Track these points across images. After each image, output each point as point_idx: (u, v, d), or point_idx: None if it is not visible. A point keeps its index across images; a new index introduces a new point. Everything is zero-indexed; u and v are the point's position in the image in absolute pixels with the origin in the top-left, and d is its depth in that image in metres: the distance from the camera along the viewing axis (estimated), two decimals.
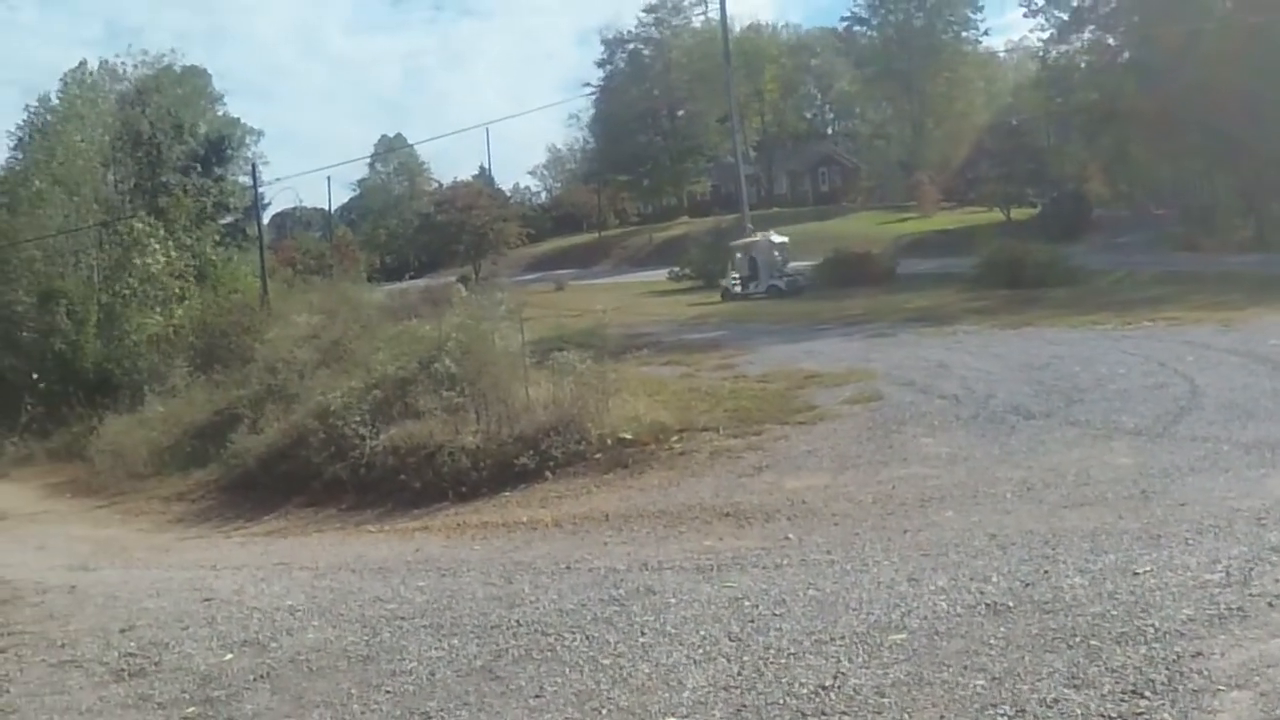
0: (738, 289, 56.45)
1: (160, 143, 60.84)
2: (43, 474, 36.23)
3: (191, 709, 9.05)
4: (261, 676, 9.66)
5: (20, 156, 67.92)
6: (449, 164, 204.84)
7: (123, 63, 71.24)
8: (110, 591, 14.51)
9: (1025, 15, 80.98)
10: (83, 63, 68.11)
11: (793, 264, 57.63)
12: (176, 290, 47.27)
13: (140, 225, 48.32)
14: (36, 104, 74.94)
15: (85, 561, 18.78)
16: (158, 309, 45.93)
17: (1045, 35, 71.06)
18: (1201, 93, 52.65)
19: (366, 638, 10.48)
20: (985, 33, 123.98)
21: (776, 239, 59.43)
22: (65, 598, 14.30)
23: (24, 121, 75.89)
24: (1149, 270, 43.96)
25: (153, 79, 71.83)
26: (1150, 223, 63.41)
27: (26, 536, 24.32)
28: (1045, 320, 30.58)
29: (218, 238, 56.99)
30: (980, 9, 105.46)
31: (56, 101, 67.99)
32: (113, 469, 31.16)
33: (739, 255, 59.27)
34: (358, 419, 23.21)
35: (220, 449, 27.65)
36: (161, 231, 48.35)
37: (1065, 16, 67.70)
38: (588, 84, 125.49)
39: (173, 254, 48.12)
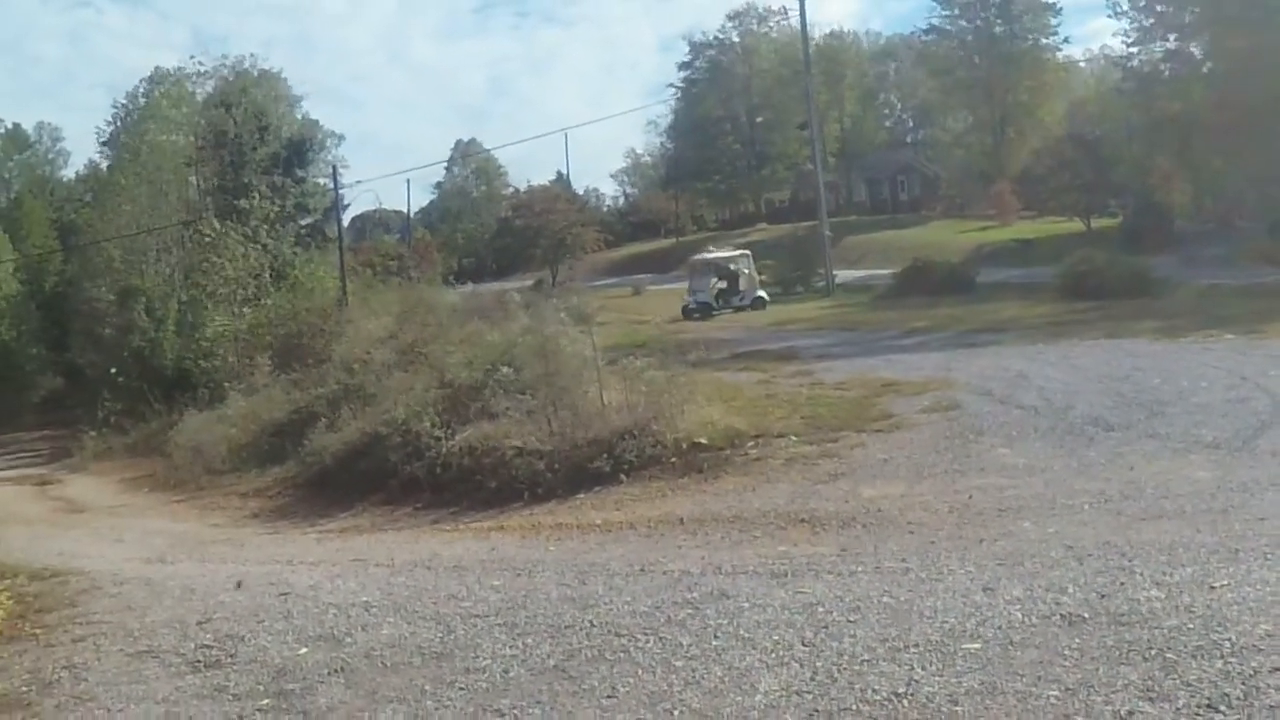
0: (699, 303, 55.07)
1: (243, 144, 61.50)
2: (121, 468, 36.80)
3: (266, 701, 9.14)
4: (336, 671, 9.73)
5: (106, 153, 69.11)
6: (529, 169, 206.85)
7: (199, 63, 72.42)
8: (187, 584, 14.68)
9: (1109, 16, 79.94)
10: (156, 69, 69.22)
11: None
12: (254, 290, 47.69)
13: (216, 226, 48.80)
14: (125, 101, 76.31)
15: (163, 554, 19.05)
16: (236, 308, 46.39)
17: (1128, 42, 70.52)
18: None
19: (441, 635, 10.54)
20: (1065, 40, 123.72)
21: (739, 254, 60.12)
22: (143, 589, 14.49)
23: (111, 118, 77.24)
24: (1232, 283, 43.43)
25: (236, 82, 72.85)
26: (1233, 235, 62.65)
27: (105, 529, 24.71)
28: (1126, 332, 30.28)
29: (294, 238, 57.43)
30: (1059, 14, 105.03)
31: (142, 102, 69.18)
32: (191, 464, 31.60)
33: (732, 268, 57.77)
34: (429, 423, 23.43)
35: (298, 447, 27.99)
36: (236, 233, 48.79)
37: (1149, 22, 67.11)
38: (671, 84, 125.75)
39: (250, 255, 48.54)
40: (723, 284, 56.60)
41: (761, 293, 56.24)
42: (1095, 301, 39.20)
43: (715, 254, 61.89)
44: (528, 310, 28.00)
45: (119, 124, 78.00)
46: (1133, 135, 75.98)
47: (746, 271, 57.61)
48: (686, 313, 54.16)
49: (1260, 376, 21.36)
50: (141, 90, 74.40)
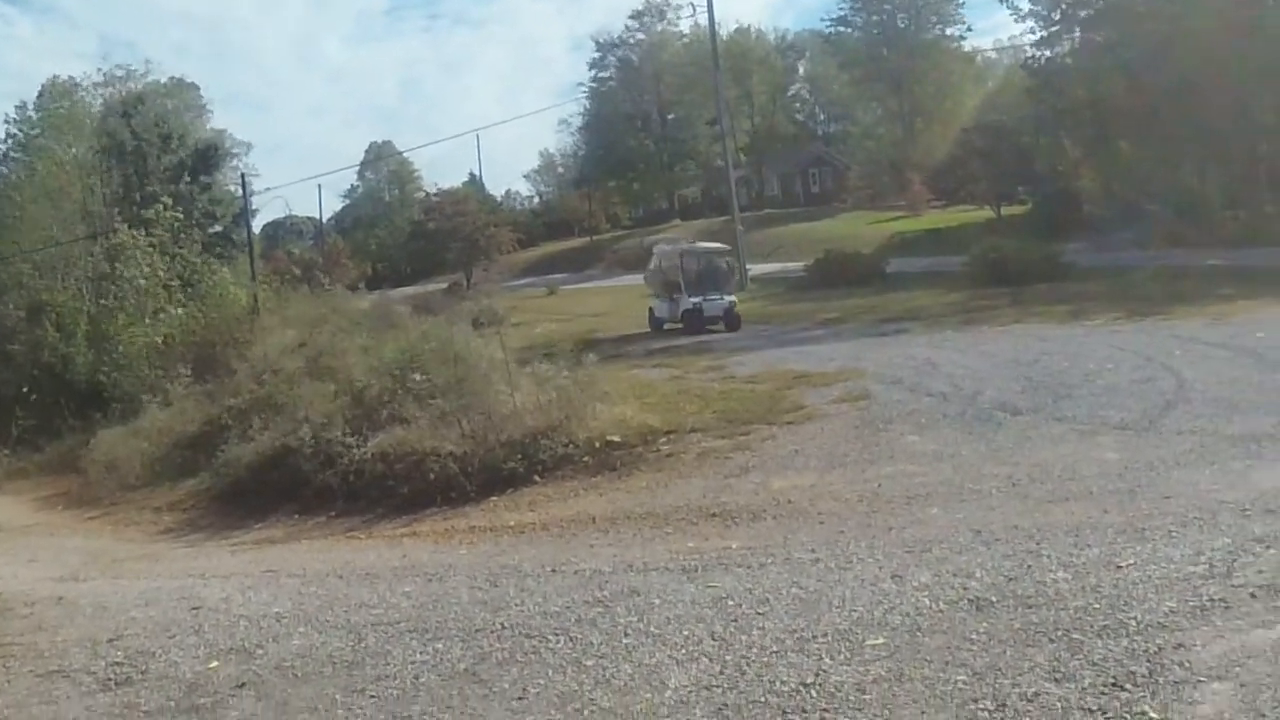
0: (681, 310, 41.20)
1: (146, 154, 60.88)
2: (35, 487, 36.20)
3: (177, 717, 9.04)
4: (246, 684, 9.66)
5: (4, 171, 68.14)
6: (443, 172, 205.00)
7: (103, 73, 71.63)
8: (99, 602, 14.48)
9: (1014, 20, 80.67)
10: (54, 78, 68.35)
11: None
12: (163, 301, 47.17)
13: (124, 237, 48.22)
14: (15, 115, 75.20)
15: (76, 572, 18.75)
16: (146, 319, 45.85)
17: (1034, 37, 71.29)
18: (1189, 90, 52.82)
19: (352, 643, 10.48)
20: (969, 29, 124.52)
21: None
22: (54, 609, 14.26)
23: (4, 136, 76.02)
24: (1139, 266, 43.90)
25: (137, 93, 72.10)
26: (1140, 219, 63.28)
27: (18, 549, 24.26)
28: (1034, 317, 30.65)
29: (202, 247, 56.83)
30: (962, 6, 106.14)
31: (34, 115, 68.19)
32: (105, 480, 31.14)
33: (716, 263, 43.90)
34: (339, 432, 23.26)
35: (211, 459, 27.63)
36: (145, 242, 48.23)
37: (1055, 16, 67.81)
38: (581, 84, 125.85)
39: (158, 265, 48.00)
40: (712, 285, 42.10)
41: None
42: (1005, 288, 39.55)
43: (688, 245, 47.03)
44: (436, 316, 27.84)
45: (11, 140, 76.92)
46: (1041, 124, 76.65)
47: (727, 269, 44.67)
48: (685, 320, 40.75)
49: (1166, 357, 21.71)
50: (33, 103, 73.22)
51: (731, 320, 40.33)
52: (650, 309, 43.82)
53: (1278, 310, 27.80)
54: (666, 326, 41.73)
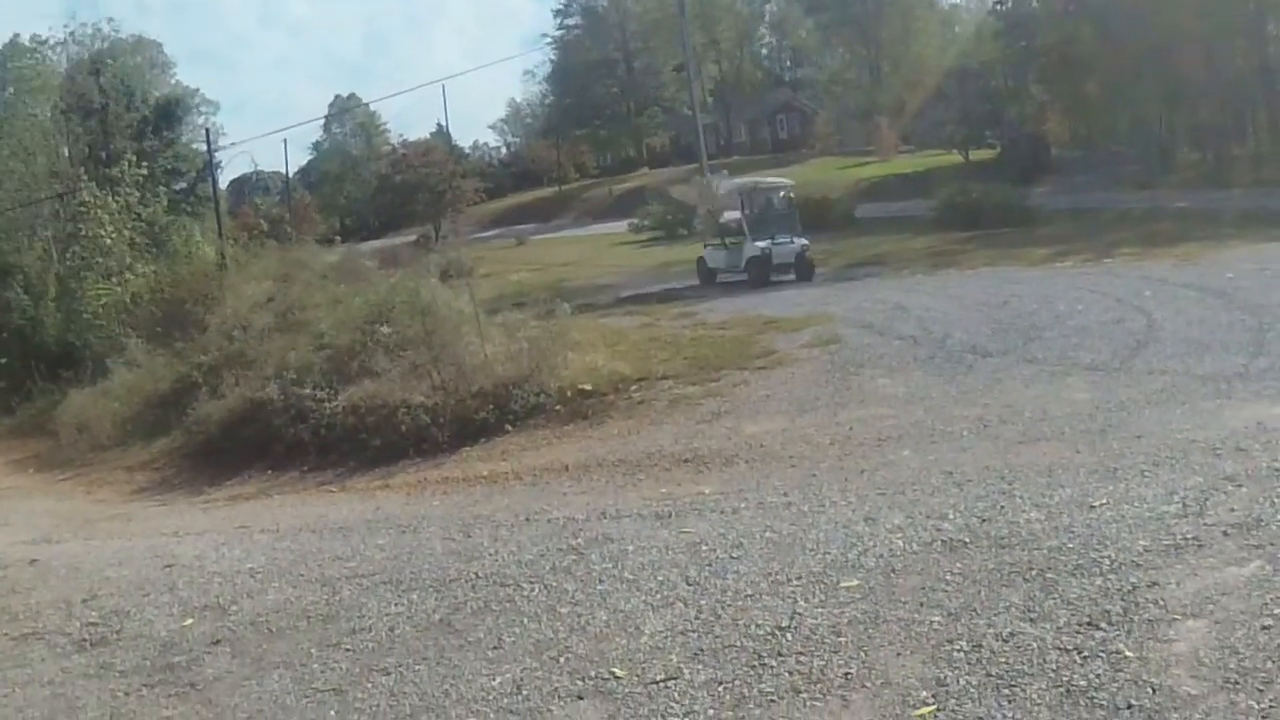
0: (746, 257, 35.32)
1: (111, 111, 60.46)
2: (6, 450, 36.02)
3: (154, 676, 9.01)
4: (221, 640, 9.63)
5: None
6: (410, 124, 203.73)
7: (70, 31, 71.10)
8: (73, 563, 14.42)
9: None
10: (15, 36, 67.78)
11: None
12: (129, 259, 46.82)
13: (90, 197, 47.81)
14: None
15: (48, 534, 18.68)
16: (114, 278, 45.53)
17: None
18: (1158, 35, 52.84)
19: (326, 597, 10.45)
20: None
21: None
22: (27, 571, 14.21)
23: None
24: (1107, 209, 44.03)
25: (105, 50, 71.59)
26: (1107, 162, 63.52)
27: None
28: (1003, 260, 30.74)
29: (166, 203, 56.40)
30: None
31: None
32: (76, 442, 30.99)
33: (779, 200, 39.28)
34: (311, 386, 23.16)
35: (182, 417, 27.51)
36: (111, 202, 47.84)
37: None
38: (545, 34, 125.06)
39: (124, 222, 47.61)
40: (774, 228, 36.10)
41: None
42: (973, 231, 39.64)
43: (748, 180, 42.18)
44: (404, 268, 27.70)
45: None
46: (1009, 68, 76.70)
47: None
48: (751, 269, 34.94)
49: (1135, 298, 21.81)
50: None
51: (803, 268, 34.74)
52: (700, 258, 38.54)
53: (1244, 252, 27.97)
54: (723, 278, 36.27)
